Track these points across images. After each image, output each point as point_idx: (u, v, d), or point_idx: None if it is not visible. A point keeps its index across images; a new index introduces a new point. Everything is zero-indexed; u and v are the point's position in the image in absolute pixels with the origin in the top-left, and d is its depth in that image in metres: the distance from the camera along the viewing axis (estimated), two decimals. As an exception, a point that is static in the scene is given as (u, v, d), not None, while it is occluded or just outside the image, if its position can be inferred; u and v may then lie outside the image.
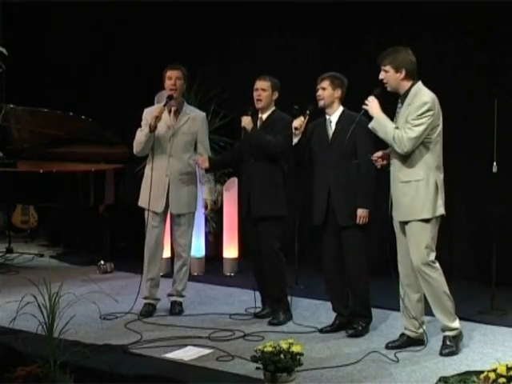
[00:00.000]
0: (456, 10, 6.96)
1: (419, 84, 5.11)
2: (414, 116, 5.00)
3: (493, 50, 6.92)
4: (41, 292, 4.47)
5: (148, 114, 6.18)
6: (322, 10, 7.70)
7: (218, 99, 8.27)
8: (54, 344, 4.43)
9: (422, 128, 4.98)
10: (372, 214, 5.53)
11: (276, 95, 6.00)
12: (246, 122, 5.93)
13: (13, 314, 4.63)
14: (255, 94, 5.97)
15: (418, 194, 5.06)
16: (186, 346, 5.39)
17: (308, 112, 5.62)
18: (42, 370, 4.34)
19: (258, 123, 6.00)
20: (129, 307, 6.24)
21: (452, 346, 5.16)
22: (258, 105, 5.97)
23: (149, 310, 6.19)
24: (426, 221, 5.07)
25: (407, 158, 5.06)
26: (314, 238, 6.89)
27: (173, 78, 6.11)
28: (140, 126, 6.17)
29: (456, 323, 5.19)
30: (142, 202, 6.21)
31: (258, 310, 6.18)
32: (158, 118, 6.01)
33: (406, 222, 5.13)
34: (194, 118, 6.22)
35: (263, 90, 5.95)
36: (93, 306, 5.33)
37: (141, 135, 6.11)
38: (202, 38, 8.42)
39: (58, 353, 4.40)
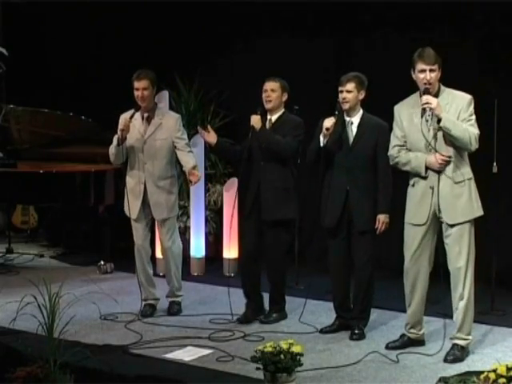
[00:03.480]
0: (456, 11, 6.96)
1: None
2: (468, 113, 4.94)
3: (493, 50, 6.92)
4: (41, 292, 4.47)
5: (123, 120, 6.07)
6: (322, 10, 7.69)
7: (217, 99, 8.27)
8: (54, 344, 4.43)
9: (476, 124, 4.96)
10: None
11: (286, 96, 5.89)
12: (255, 120, 5.79)
13: (13, 315, 4.64)
14: (264, 95, 5.84)
15: (471, 192, 5.00)
16: (186, 346, 5.40)
17: (336, 112, 5.49)
18: (42, 370, 4.33)
19: (267, 125, 5.89)
20: (129, 307, 6.23)
21: (458, 355, 5.05)
22: (268, 105, 5.85)
23: (149, 311, 6.18)
24: (473, 220, 5.03)
25: (459, 158, 4.97)
26: (313, 238, 6.90)
27: (139, 89, 5.97)
28: (116, 133, 6.07)
29: (470, 334, 5.13)
30: (125, 208, 6.19)
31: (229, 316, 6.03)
32: (124, 131, 5.93)
33: (455, 224, 4.99)
34: (166, 123, 6.07)
35: (273, 90, 5.83)
36: (93, 307, 5.34)
37: (111, 147, 6.08)
38: (203, 38, 8.41)
39: (58, 353, 4.40)
